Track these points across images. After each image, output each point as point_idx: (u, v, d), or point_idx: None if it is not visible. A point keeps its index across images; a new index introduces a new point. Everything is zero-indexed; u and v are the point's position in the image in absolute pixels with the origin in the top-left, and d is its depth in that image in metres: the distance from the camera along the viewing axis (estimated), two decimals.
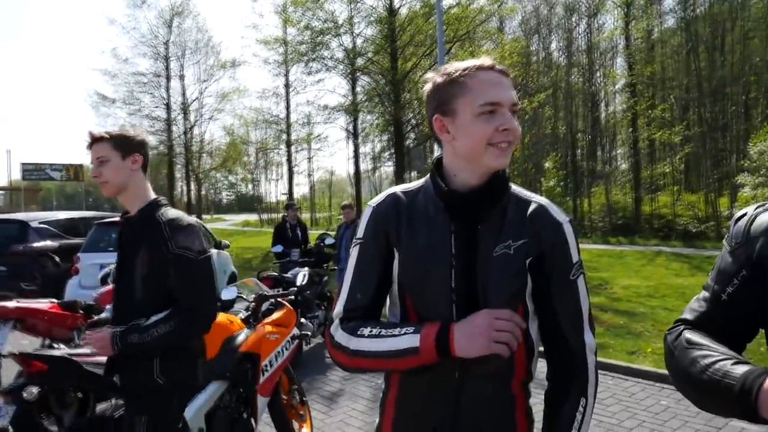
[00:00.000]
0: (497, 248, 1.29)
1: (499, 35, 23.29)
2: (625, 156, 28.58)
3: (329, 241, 7.91)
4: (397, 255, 1.37)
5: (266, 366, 3.33)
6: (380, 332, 1.30)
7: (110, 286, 4.46)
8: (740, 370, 0.99)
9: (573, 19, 29.42)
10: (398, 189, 1.45)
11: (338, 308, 1.40)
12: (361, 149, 31.26)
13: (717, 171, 21.32)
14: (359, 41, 20.13)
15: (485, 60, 1.30)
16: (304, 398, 3.91)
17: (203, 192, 44.73)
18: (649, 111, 22.31)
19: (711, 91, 22.16)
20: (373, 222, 1.40)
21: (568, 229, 1.33)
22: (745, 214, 1.19)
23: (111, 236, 8.05)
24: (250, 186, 47.50)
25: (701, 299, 1.21)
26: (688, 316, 1.22)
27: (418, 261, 1.33)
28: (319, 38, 19.14)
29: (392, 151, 23.30)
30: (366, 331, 1.32)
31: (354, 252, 1.43)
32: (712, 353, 1.07)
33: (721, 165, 21.49)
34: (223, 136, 35.64)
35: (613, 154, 31.77)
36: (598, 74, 29.01)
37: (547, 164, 24.90)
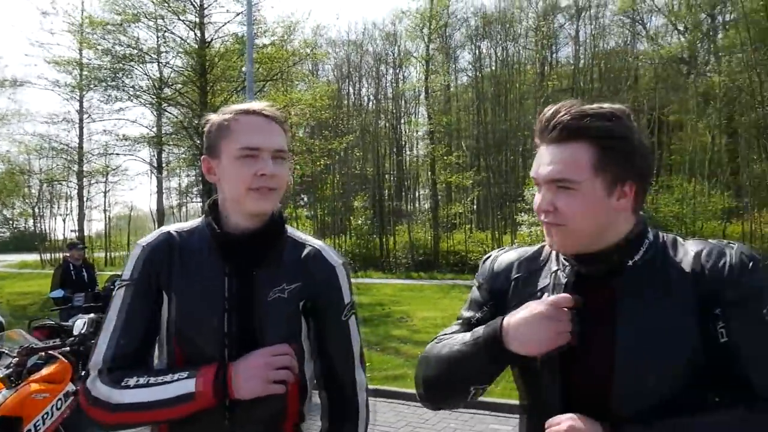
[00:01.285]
0: (272, 292, 1.31)
1: (312, 78, 24.00)
2: (427, 197, 31.06)
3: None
4: (166, 298, 1.31)
5: (30, 431, 2.92)
6: (149, 381, 1.22)
7: None
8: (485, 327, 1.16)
9: (381, 68, 31.57)
10: (172, 228, 1.40)
11: (96, 358, 1.27)
12: (166, 184, 29.45)
13: (501, 212, 24.18)
14: (167, 71, 19.18)
15: (255, 104, 1.33)
16: None
17: None
18: (446, 157, 24.62)
19: (495, 143, 25.28)
20: (143, 263, 1.33)
21: (342, 272, 1.39)
22: (490, 256, 1.37)
23: None
24: (30, 222, 41.65)
25: (457, 323, 1.34)
26: (445, 331, 1.34)
27: (190, 304, 1.29)
28: (122, 64, 17.82)
29: (200, 187, 22.37)
30: (132, 381, 1.22)
31: (119, 294, 1.33)
32: (463, 334, 1.21)
33: (504, 207, 24.40)
34: None
35: (417, 195, 34.34)
36: (403, 120, 31.35)
37: (356, 203, 25.94)
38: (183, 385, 1.20)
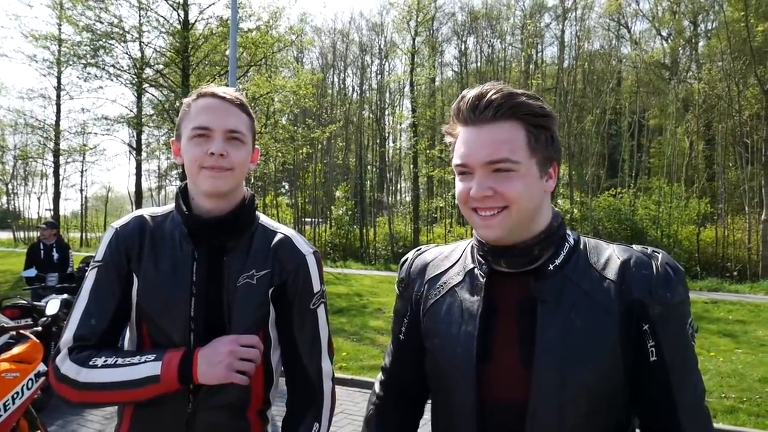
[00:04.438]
0: (241, 278, 1.31)
1: (296, 65, 23.79)
2: (409, 189, 31.14)
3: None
4: (136, 281, 1.32)
5: None
6: (116, 361, 1.23)
7: None
8: None
9: (367, 58, 31.47)
10: (146, 212, 1.41)
11: (67, 336, 1.28)
12: (145, 166, 29.04)
13: None
14: (148, 51, 18.82)
15: (212, 87, 1.34)
16: None
17: None
18: (429, 150, 24.66)
19: None
20: (115, 245, 1.34)
21: (312, 260, 1.39)
22: (407, 259, 1.31)
23: None
24: (3, 199, 40.70)
25: (391, 341, 1.33)
26: (385, 361, 1.35)
27: (157, 287, 1.30)
28: (102, 42, 17.42)
29: (180, 170, 22.10)
30: (100, 361, 1.24)
31: (91, 275, 1.34)
32: None
33: None
34: None
35: (399, 187, 34.39)
36: (387, 112, 31.31)
37: (337, 193, 25.90)
38: (149, 367, 1.21)
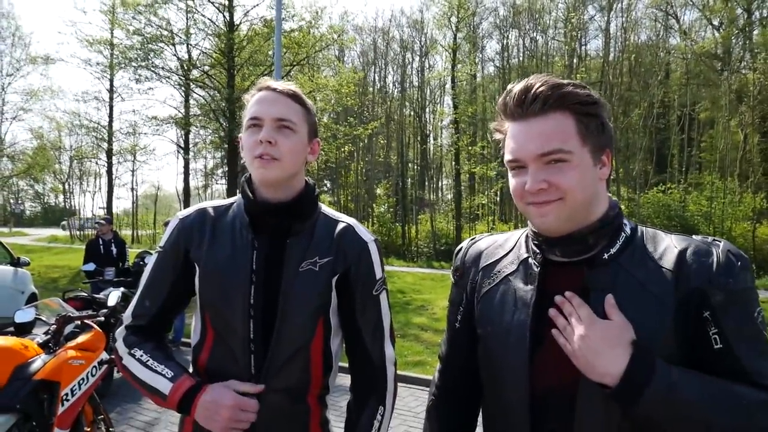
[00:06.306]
0: (303, 264, 1.34)
1: (338, 64, 23.96)
2: (450, 187, 30.98)
3: (150, 259, 7.38)
4: (197, 269, 1.37)
5: (67, 395, 3.03)
6: (148, 361, 1.34)
7: None
8: None
9: (407, 56, 31.42)
10: (209, 204, 1.47)
11: (128, 311, 1.43)
12: (192, 165, 29.81)
13: None
14: (195, 53, 19.32)
15: (266, 81, 1.38)
16: (111, 429, 3.60)
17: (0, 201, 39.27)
18: (470, 147, 24.46)
19: None
20: (176, 233, 1.42)
21: (373, 248, 1.42)
22: (461, 248, 1.32)
23: None
24: (60, 197, 42.52)
25: (447, 330, 1.34)
26: (441, 349, 1.37)
27: (217, 275, 1.34)
28: (151, 45, 17.98)
29: (225, 168, 22.59)
30: (138, 353, 1.36)
31: (152, 259, 1.44)
32: None
33: None
34: (29, 140, 31.66)
35: (440, 185, 34.24)
36: (428, 109, 31.20)
37: (379, 191, 25.98)
38: (163, 383, 1.30)
